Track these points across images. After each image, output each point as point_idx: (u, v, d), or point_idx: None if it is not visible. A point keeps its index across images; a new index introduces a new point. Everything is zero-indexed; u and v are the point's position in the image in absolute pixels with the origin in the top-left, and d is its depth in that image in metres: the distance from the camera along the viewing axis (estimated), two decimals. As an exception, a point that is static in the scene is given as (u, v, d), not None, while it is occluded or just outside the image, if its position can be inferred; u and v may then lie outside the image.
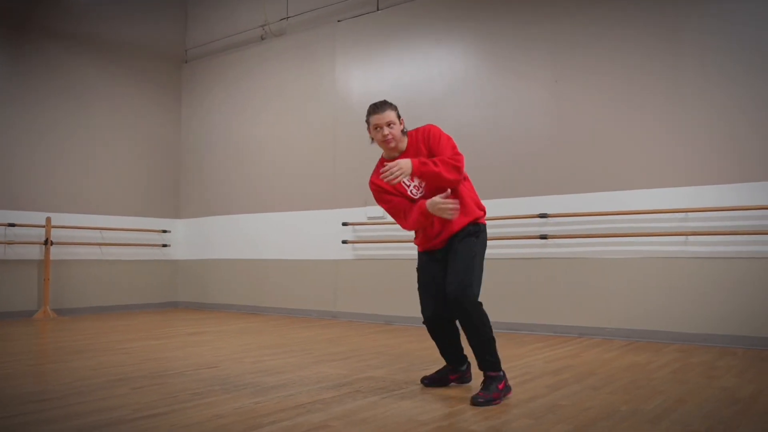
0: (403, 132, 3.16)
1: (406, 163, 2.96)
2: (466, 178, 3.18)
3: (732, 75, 4.81)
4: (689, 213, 4.90)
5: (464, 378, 3.37)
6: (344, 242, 6.89)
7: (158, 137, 8.53)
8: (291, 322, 6.71)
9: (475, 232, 3.13)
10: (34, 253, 7.20)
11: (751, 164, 4.70)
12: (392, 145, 3.11)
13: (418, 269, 3.30)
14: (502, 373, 3.03)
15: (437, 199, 2.95)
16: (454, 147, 3.09)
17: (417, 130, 3.20)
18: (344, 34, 7.10)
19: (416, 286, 3.29)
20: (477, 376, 3.54)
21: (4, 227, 6.97)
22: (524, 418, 2.66)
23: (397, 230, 6.26)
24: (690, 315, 4.86)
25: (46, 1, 7.50)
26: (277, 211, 7.61)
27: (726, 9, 4.89)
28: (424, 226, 3.12)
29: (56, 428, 2.52)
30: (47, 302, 7.11)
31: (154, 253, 8.37)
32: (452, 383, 3.36)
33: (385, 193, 3.17)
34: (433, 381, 3.33)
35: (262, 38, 7.97)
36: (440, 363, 3.55)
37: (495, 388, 2.96)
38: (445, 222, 3.09)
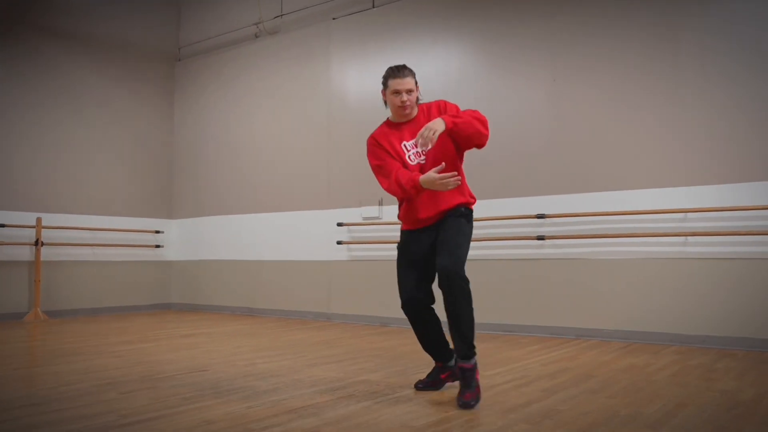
0: (418, 99, 3.14)
1: (437, 122, 2.89)
2: (461, 159, 3.19)
3: (732, 75, 4.76)
4: (688, 213, 4.85)
5: (456, 375, 3.27)
6: (339, 243, 6.82)
7: (151, 136, 8.44)
8: (285, 323, 6.63)
9: (466, 215, 3.12)
10: (25, 254, 7.10)
11: (751, 164, 4.65)
12: (408, 111, 3.09)
13: (400, 247, 3.23)
14: (475, 360, 2.98)
15: (433, 174, 2.87)
16: (475, 110, 3.08)
17: (427, 103, 3.19)
18: (339, 32, 7.03)
19: None
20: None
21: (-6, 228, 6.89)
22: (521, 423, 2.59)
23: (393, 231, 6.20)
24: (689, 316, 4.81)
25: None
26: (272, 212, 7.53)
27: (726, 8, 4.84)
28: (408, 196, 3.05)
29: (39, 436, 2.45)
30: (38, 304, 7.02)
31: (147, 254, 8.29)
32: (446, 384, 3.29)
33: (381, 150, 3.11)
34: (426, 385, 3.27)
35: (256, 36, 7.90)
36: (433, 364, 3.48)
37: (476, 382, 2.94)
38: (437, 201, 3.04)
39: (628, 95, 5.20)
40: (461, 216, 3.08)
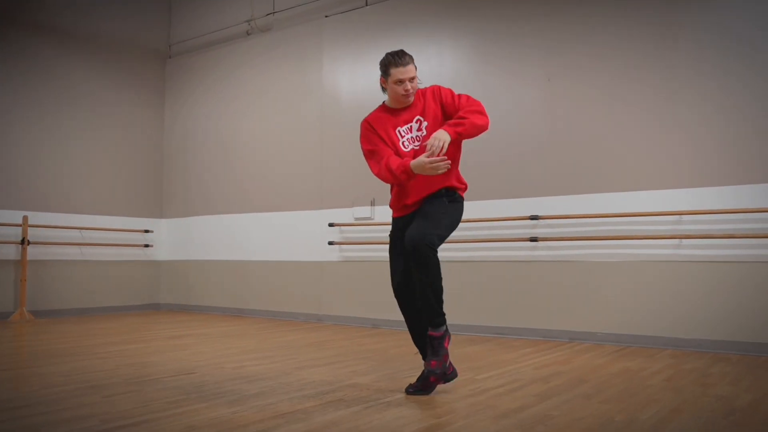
0: (417, 85, 3.14)
1: (442, 134, 2.91)
2: (458, 149, 3.18)
3: (729, 75, 4.72)
4: (683, 216, 4.80)
5: (447, 376, 3.23)
6: (330, 243, 6.74)
7: (141, 134, 8.34)
8: (275, 325, 6.55)
9: (448, 195, 3.12)
10: (10, 252, 6.99)
11: (747, 166, 4.61)
12: (410, 99, 3.10)
13: (391, 235, 3.27)
14: (444, 327, 3.02)
15: (423, 158, 2.89)
16: (468, 97, 3.11)
17: (421, 89, 3.19)
18: (332, 30, 6.95)
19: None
20: (463, 371, 3.44)
21: (-21, 226, 6.78)
22: (515, 429, 2.53)
23: (385, 231, 6.11)
24: (683, 320, 4.77)
25: (25, -6, 7.31)
26: (263, 212, 7.45)
27: (723, 7, 4.80)
28: (398, 182, 3.05)
29: (16, 442, 2.37)
30: (24, 304, 6.90)
31: (136, 254, 8.18)
32: (436, 387, 3.22)
33: (375, 135, 3.13)
34: (417, 389, 3.20)
35: (248, 34, 7.82)
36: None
37: (444, 350, 2.98)
38: (423, 186, 3.07)
39: (623, 96, 5.15)
40: (442, 197, 3.10)
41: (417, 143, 3.10)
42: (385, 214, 6.12)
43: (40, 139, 7.33)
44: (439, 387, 3.26)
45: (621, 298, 5.05)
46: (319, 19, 7.07)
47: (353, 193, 6.46)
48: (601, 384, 3.46)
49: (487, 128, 3.06)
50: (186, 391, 3.24)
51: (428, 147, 2.88)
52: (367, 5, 6.70)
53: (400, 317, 3.37)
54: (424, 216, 3.04)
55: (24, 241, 6.97)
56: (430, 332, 3.02)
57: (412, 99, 3.12)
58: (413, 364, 3.95)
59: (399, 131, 3.12)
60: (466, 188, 3.22)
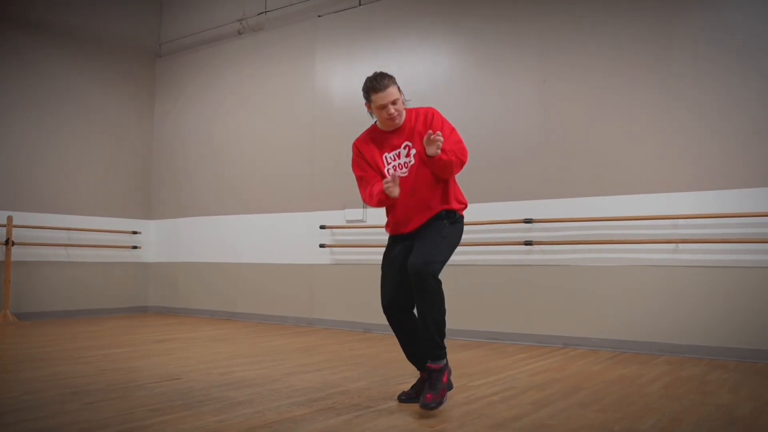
0: (404, 104, 3.03)
1: (438, 142, 2.84)
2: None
3: (727, 78, 4.67)
4: (679, 220, 4.74)
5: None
6: (322, 246, 6.64)
7: (130, 134, 8.21)
8: (265, 329, 6.44)
9: (447, 217, 3.01)
10: (-6, 253, 6.85)
11: (744, 171, 4.55)
12: (397, 122, 2.99)
13: (384, 253, 3.16)
14: (445, 361, 2.91)
15: (384, 181, 2.87)
16: (459, 140, 2.99)
17: (415, 110, 3.09)
18: (325, 30, 6.86)
19: None
20: (456, 378, 3.35)
21: (-38, 226, 6.63)
22: (511, 440, 2.44)
23: (377, 234, 6.03)
24: (679, 325, 4.70)
25: (12, -10, 7.17)
26: (253, 213, 7.34)
27: (722, 9, 4.74)
28: (385, 205, 3.03)
29: (-11, 452, 2.25)
30: (7, 306, 6.74)
31: (124, 256, 8.04)
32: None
33: (364, 162, 3.06)
34: (410, 397, 3.11)
35: (240, 33, 7.71)
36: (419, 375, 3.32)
37: (441, 384, 2.85)
38: (421, 209, 2.98)
39: (619, 98, 5.09)
40: (440, 219, 3.00)
41: (405, 170, 2.98)
42: (376, 216, 6.03)
43: (25, 137, 7.18)
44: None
45: (616, 303, 4.98)
46: (312, 18, 6.98)
47: (345, 195, 6.35)
48: (598, 392, 3.38)
49: (453, 175, 2.99)
50: (171, 398, 3.13)
51: (427, 137, 2.83)
52: (360, 5, 6.61)
53: (393, 322, 3.27)
54: (425, 241, 2.92)
55: (8, 242, 6.82)
56: (430, 364, 2.88)
57: (400, 121, 3.00)
58: (406, 370, 3.86)
59: (386, 157, 3.02)
60: (465, 206, 3.11)
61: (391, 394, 3.26)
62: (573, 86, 5.30)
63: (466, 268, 5.59)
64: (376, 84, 2.93)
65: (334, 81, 6.79)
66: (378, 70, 3.04)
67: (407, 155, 3.01)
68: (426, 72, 6.12)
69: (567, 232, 5.22)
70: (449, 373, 2.97)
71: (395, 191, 2.84)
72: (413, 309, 3.06)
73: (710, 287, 4.60)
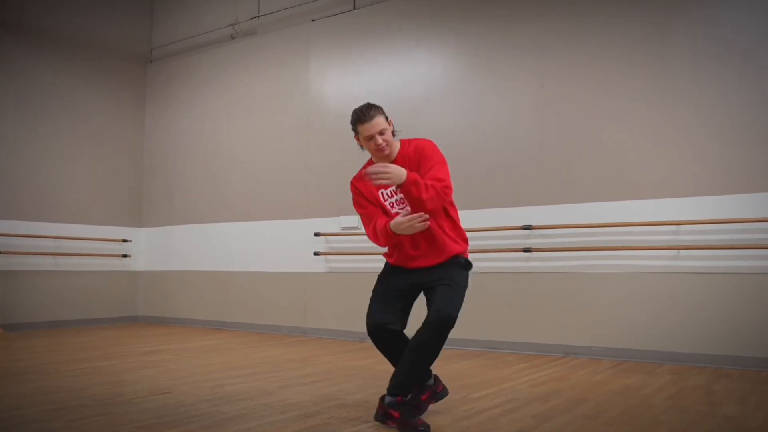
0: (394, 134, 2.91)
1: (397, 172, 2.68)
2: (452, 204, 2.97)
3: (726, 83, 4.59)
4: (681, 226, 4.65)
5: (437, 394, 3.04)
6: (316, 254, 6.52)
7: (120, 140, 8.07)
8: (258, 339, 6.30)
9: (465, 265, 2.94)
10: (-21, 263, 6.69)
11: (747, 175, 4.46)
12: (387, 152, 2.86)
13: (380, 277, 3.04)
14: (431, 380, 2.98)
15: (400, 218, 2.72)
16: (446, 177, 2.80)
17: (411, 141, 2.96)
18: (319, 35, 6.76)
19: None
20: (455, 390, 3.22)
21: (-53, 235, 6.47)
22: (516, 458, 2.32)
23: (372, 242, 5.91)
24: (682, 334, 4.60)
25: (-1, -6, 7.05)
26: (246, 221, 7.21)
27: (720, 10, 4.68)
28: (392, 243, 2.89)
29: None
30: (-7, 316, 6.59)
31: (114, 264, 7.89)
32: (428, 407, 3.01)
33: (363, 199, 2.94)
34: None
35: (232, 38, 7.60)
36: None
37: (419, 400, 2.85)
38: (429, 247, 2.85)
39: (618, 102, 5.01)
40: (461, 266, 2.91)
41: (404, 205, 2.86)
42: (372, 223, 5.92)
43: (12, 143, 7.04)
44: (432, 407, 3.05)
45: (617, 310, 4.88)
46: (306, 23, 6.88)
47: (340, 201, 6.23)
48: (603, 403, 3.27)
49: (426, 210, 2.73)
50: (159, 413, 2.99)
51: (371, 168, 2.69)
52: (354, 9, 6.52)
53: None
54: (451, 290, 2.81)
55: (-6, 251, 6.67)
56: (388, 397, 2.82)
57: (391, 152, 2.88)
58: (403, 382, 3.73)
59: (382, 193, 2.91)
60: (468, 246, 3.02)
61: (388, 408, 3.13)
62: (571, 90, 5.22)
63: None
64: (361, 115, 2.82)
65: (328, 86, 6.68)
66: (367, 102, 2.93)
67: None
68: (421, 77, 6.02)
69: (566, 238, 5.12)
70: (432, 394, 2.92)
71: (416, 228, 2.70)
72: (404, 329, 2.94)
73: (713, 294, 4.51)
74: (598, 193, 5.02)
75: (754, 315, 4.35)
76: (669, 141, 4.77)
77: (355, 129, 2.89)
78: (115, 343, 5.86)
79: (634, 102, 4.93)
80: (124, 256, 7.95)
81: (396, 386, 2.79)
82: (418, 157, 2.87)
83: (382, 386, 3.72)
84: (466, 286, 2.91)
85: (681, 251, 4.63)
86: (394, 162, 2.90)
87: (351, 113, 2.92)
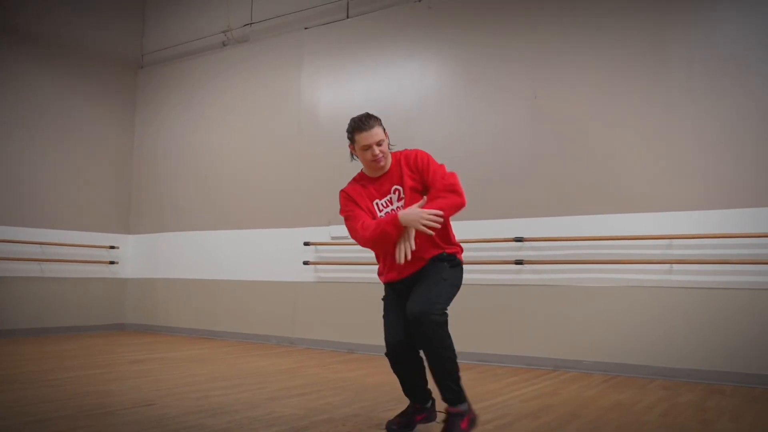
0: (389, 147, 2.88)
1: (440, 210, 2.65)
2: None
3: (719, 98, 4.59)
4: (674, 240, 4.63)
5: (430, 417, 3.02)
6: (305, 263, 6.45)
7: (109, 146, 7.98)
8: (246, 348, 6.22)
9: (449, 260, 2.86)
10: (-37, 268, 6.57)
11: (742, 190, 4.45)
12: (382, 164, 2.83)
13: (384, 298, 2.99)
14: (465, 406, 2.71)
15: (417, 208, 2.63)
16: (444, 173, 2.81)
17: (401, 152, 2.93)
18: (311, 43, 6.73)
19: (381, 313, 2.96)
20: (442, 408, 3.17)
21: (-70, 239, 6.35)
22: (508, 477, 2.27)
23: (363, 251, 5.84)
24: (674, 349, 4.57)
25: (-11, -4, 6.97)
26: (235, 228, 7.14)
27: (715, 24, 4.68)
28: (382, 243, 2.74)
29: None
30: (-24, 323, 6.47)
31: (101, 271, 7.78)
32: (418, 424, 2.96)
33: (353, 204, 2.88)
34: (400, 426, 2.93)
35: (224, 44, 7.56)
36: (406, 399, 3.14)
37: (459, 429, 2.64)
38: (415, 258, 2.77)
39: (611, 115, 5.00)
40: (441, 261, 2.84)
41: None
42: (363, 233, 5.86)
43: None
44: (423, 426, 2.99)
45: (609, 325, 4.84)
46: (299, 31, 6.85)
47: (330, 211, 6.17)
48: (595, 420, 3.22)
49: (463, 206, 2.78)
50: (143, 426, 2.92)
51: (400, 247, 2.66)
52: (348, 17, 6.50)
53: (378, 342, 3.10)
54: (425, 284, 2.75)
55: (-21, 257, 6.56)
56: (451, 408, 2.69)
57: (386, 164, 2.86)
58: (393, 395, 3.68)
59: (377, 204, 2.87)
60: (462, 250, 2.97)
61: (378, 422, 3.08)
62: (564, 102, 5.20)
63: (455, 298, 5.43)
64: (361, 124, 2.80)
65: (320, 95, 6.64)
66: (366, 111, 2.91)
67: (398, 199, 2.86)
68: (414, 86, 6.00)
69: (559, 251, 5.09)
70: (471, 421, 2.74)
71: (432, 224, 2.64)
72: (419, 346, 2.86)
73: (705, 309, 4.49)
74: (590, 205, 5.00)
75: (747, 330, 4.33)
76: (663, 154, 4.76)
77: (351, 137, 2.85)
78: (101, 352, 5.76)
79: (628, 115, 4.92)
80: (112, 263, 7.85)
81: (451, 398, 2.69)
82: (414, 167, 2.83)
83: (372, 399, 3.67)
84: (448, 278, 2.81)
85: (674, 265, 4.61)
86: (387, 174, 2.88)
87: (348, 121, 2.89)
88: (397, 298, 2.90)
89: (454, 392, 2.69)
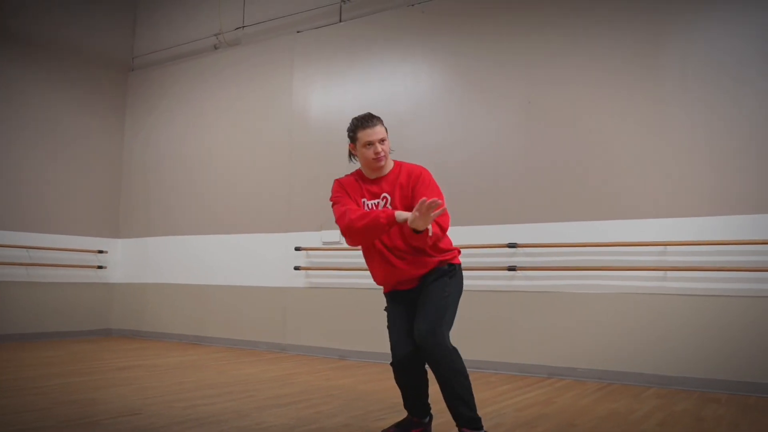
0: (389, 149, 2.84)
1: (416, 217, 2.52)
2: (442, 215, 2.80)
3: (714, 105, 4.57)
4: (668, 246, 4.59)
5: None
6: (296, 269, 6.38)
7: (98, 149, 7.88)
8: (235, 355, 6.13)
9: (449, 272, 2.80)
10: (-54, 273, 6.45)
11: (736, 197, 4.42)
12: (383, 163, 2.78)
13: (387, 309, 2.93)
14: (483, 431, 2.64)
15: (415, 212, 2.49)
16: (445, 222, 2.73)
17: (404, 163, 2.87)
18: (304, 47, 6.67)
19: (373, 319, 2.91)
20: (438, 413, 3.10)
21: None
22: (504, 490, 2.21)
23: (354, 257, 5.79)
24: (668, 356, 4.52)
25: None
26: (225, 233, 7.05)
27: (709, 30, 4.67)
28: (370, 230, 2.62)
29: None
30: (-40, 329, 6.35)
31: (88, 276, 7.67)
32: None
33: (343, 192, 2.84)
34: (395, 437, 2.86)
35: (216, 48, 7.48)
36: (400, 409, 3.08)
37: None
38: (414, 266, 2.74)
39: (606, 121, 4.97)
40: (443, 275, 2.78)
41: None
42: (355, 238, 5.79)
43: (-14, 151, 6.84)
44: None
45: (603, 332, 4.80)
46: (291, 34, 6.79)
47: (322, 215, 6.11)
48: (591, 429, 3.17)
49: (439, 242, 2.73)
50: (127, 437, 2.84)
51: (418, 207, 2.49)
52: (341, 21, 6.45)
53: (369, 348, 3.05)
54: (429, 303, 2.70)
55: (-37, 261, 6.44)
56: (465, 429, 2.64)
57: (386, 165, 2.81)
58: (386, 403, 3.62)
59: (365, 203, 2.82)
60: (459, 252, 2.91)
61: (371, 431, 3.01)
62: (558, 107, 5.17)
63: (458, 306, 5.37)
64: (364, 121, 2.76)
65: (312, 99, 6.58)
66: (367, 112, 2.86)
67: (385, 206, 2.79)
68: (407, 91, 5.95)
69: (552, 257, 5.05)
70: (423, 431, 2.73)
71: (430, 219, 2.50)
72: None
73: (699, 316, 4.45)
74: (584, 212, 4.96)
75: (742, 338, 4.30)
76: (657, 161, 4.73)
77: (353, 135, 2.80)
78: (87, 358, 5.65)
79: (622, 121, 4.89)
80: (100, 267, 7.74)
81: (467, 420, 2.63)
82: (413, 183, 2.77)
83: (363, 407, 3.60)
84: (450, 294, 2.77)
85: (668, 272, 4.57)
86: (384, 178, 2.82)
87: (345, 124, 2.85)
88: (399, 308, 2.84)
89: (471, 418, 2.63)
